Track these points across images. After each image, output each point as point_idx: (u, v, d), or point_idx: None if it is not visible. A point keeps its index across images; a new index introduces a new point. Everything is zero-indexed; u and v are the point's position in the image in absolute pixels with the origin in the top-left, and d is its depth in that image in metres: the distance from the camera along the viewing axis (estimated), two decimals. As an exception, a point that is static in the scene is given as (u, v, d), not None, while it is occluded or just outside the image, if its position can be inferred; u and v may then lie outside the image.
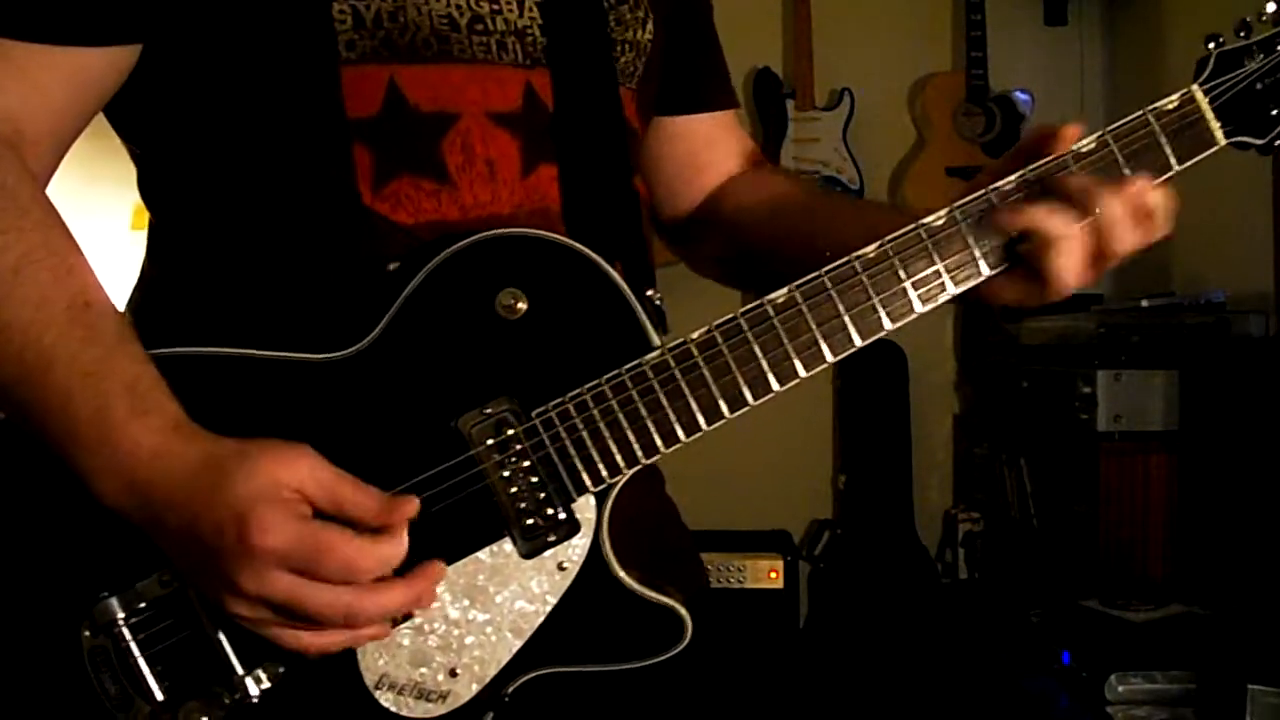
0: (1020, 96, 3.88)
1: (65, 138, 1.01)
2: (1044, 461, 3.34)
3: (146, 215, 1.13)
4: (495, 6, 1.05)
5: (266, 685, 0.96)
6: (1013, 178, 1.03)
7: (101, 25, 0.98)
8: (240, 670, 0.95)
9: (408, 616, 0.97)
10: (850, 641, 3.57)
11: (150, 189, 1.11)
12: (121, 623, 0.95)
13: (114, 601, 0.95)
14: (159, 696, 0.95)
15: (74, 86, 0.99)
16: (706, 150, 1.31)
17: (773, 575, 3.51)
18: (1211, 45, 1.06)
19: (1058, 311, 3.29)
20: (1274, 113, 1.05)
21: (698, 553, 1.27)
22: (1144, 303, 3.15)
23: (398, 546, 0.91)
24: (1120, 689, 2.66)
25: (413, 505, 0.93)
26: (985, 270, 1.03)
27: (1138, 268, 3.65)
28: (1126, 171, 1.03)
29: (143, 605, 0.96)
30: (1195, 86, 1.05)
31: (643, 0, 1.15)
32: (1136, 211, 1.01)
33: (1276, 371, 2.69)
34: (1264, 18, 1.05)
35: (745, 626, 3.43)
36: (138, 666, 0.95)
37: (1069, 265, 1.00)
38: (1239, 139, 1.06)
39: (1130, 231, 1.01)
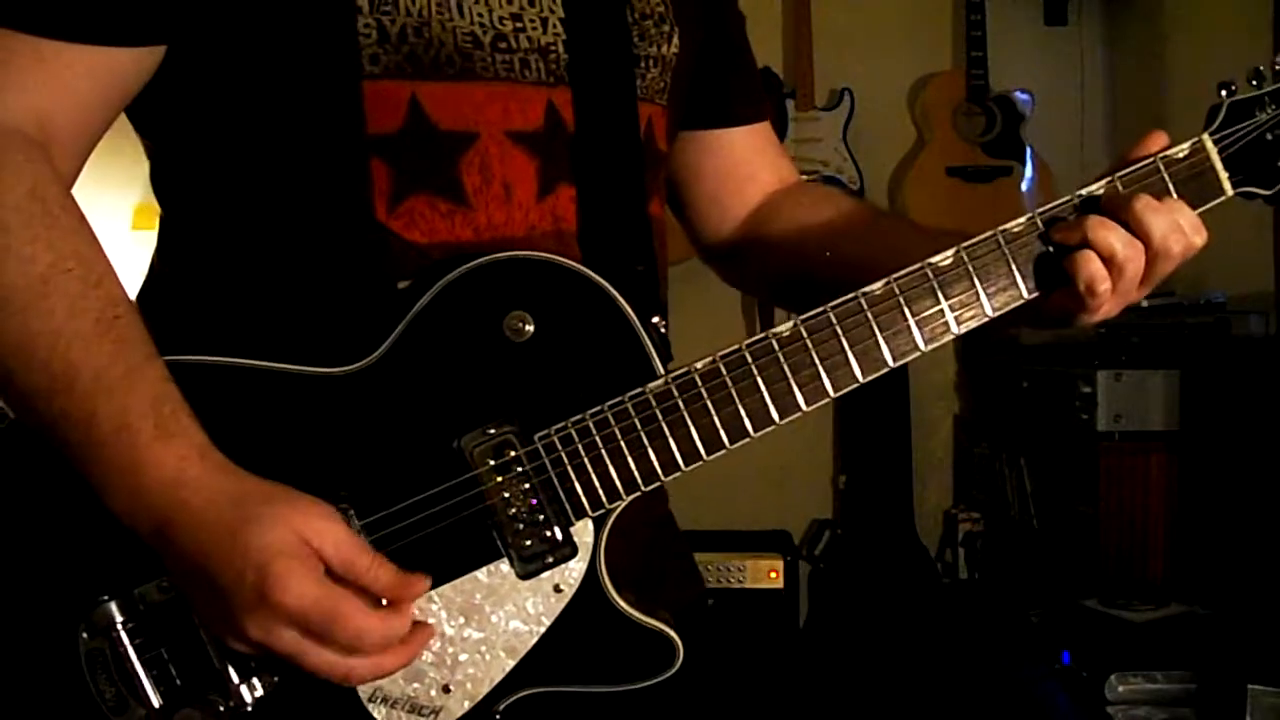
0: (1020, 96, 3.88)
1: (91, 137, 1.01)
2: (1044, 461, 3.34)
3: (147, 216, 1.14)
4: (519, 25, 1.05)
5: (261, 694, 0.96)
6: (1021, 220, 1.04)
7: (130, 25, 0.98)
8: (236, 679, 0.96)
9: None
10: (850, 641, 3.57)
11: (165, 186, 1.11)
12: (120, 626, 0.96)
13: (113, 605, 0.96)
14: (155, 702, 0.96)
15: (102, 85, 0.99)
16: (746, 164, 1.31)
17: (773, 575, 3.51)
18: (1224, 93, 1.06)
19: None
20: None
21: (694, 561, 1.28)
22: (1144, 303, 3.13)
23: (405, 622, 0.93)
24: (1120, 689, 2.66)
25: (424, 585, 0.95)
26: (990, 311, 1.04)
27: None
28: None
29: (141, 610, 0.96)
30: (1206, 136, 1.06)
31: (668, 15, 1.15)
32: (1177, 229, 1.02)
33: (1276, 371, 2.69)
34: (1277, 67, 1.05)
35: (745, 626, 3.43)
36: (135, 671, 0.96)
37: (1109, 290, 1.02)
38: (1246, 189, 1.07)
39: (1177, 244, 1.02)
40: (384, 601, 0.93)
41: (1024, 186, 3.85)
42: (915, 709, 3.15)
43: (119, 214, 3.57)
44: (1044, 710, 2.82)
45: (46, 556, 0.97)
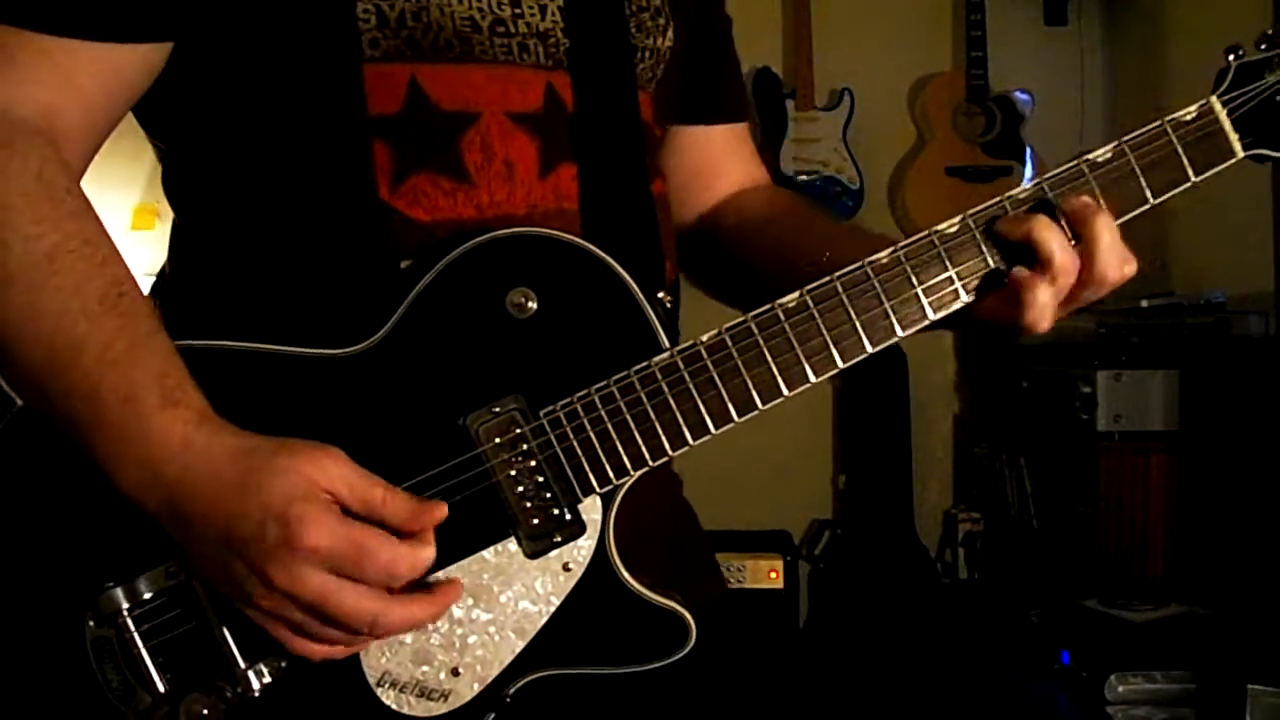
0: (1020, 96, 3.88)
1: (98, 134, 1.02)
2: (1044, 461, 3.34)
3: (147, 216, 1.14)
4: (517, 10, 1.06)
5: (269, 680, 0.96)
6: (1028, 186, 1.02)
7: (136, 22, 0.99)
8: (243, 664, 0.95)
9: None
10: (850, 641, 3.57)
11: (174, 186, 1.12)
12: (126, 613, 0.96)
13: (119, 592, 0.96)
14: (161, 688, 0.96)
15: (107, 83, 1.00)
16: (718, 161, 1.31)
17: (773, 575, 3.51)
18: (1231, 57, 1.05)
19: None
20: None
21: (715, 559, 1.26)
22: (1144, 303, 3.15)
23: (431, 550, 0.92)
24: (1120, 689, 2.66)
25: (442, 510, 0.93)
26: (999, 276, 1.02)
27: (1137, 267, 3.66)
28: (1143, 182, 1.02)
29: (148, 597, 0.96)
30: (1214, 97, 1.04)
31: (664, 8, 1.16)
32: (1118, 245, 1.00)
33: (1276, 371, 2.69)
34: None
35: (745, 626, 3.42)
36: (141, 658, 0.96)
37: (1049, 296, 0.99)
38: (1257, 151, 1.05)
39: (1117, 262, 1.00)
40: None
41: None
42: (915, 709, 3.15)
43: (119, 214, 3.58)
44: (1044, 711, 2.82)
45: (53, 545, 0.97)
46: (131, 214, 3.66)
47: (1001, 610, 3.37)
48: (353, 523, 0.90)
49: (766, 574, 3.51)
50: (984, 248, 1.01)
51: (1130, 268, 1.02)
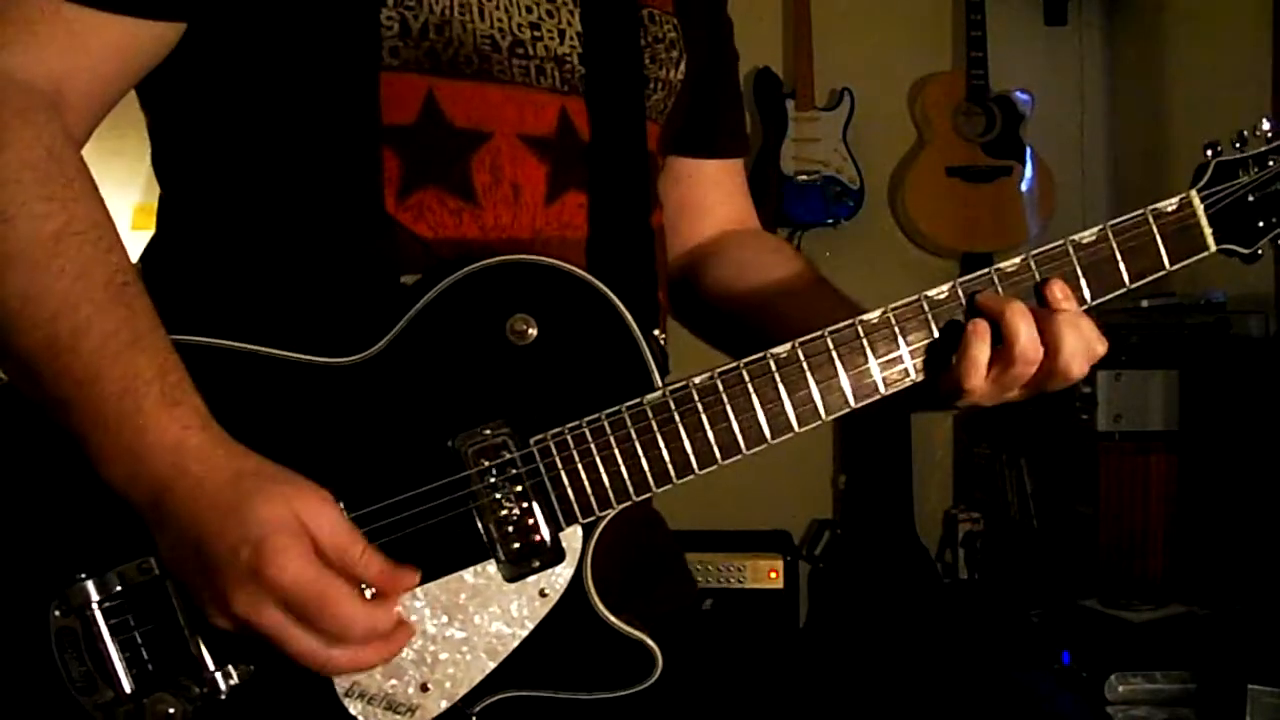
0: (1020, 96, 3.88)
1: (103, 106, 1.02)
2: (1044, 461, 3.34)
3: (147, 216, 1.14)
4: (537, 33, 1.06)
5: (236, 682, 0.96)
6: (1015, 260, 1.06)
7: None
8: (212, 666, 0.95)
9: None
10: (850, 641, 3.57)
11: (165, 163, 1.11)
12: (95, 605, 0.95)
13: (90, 584, 0.95)
14: (126, 685, 0.95)
15: (118, 55, 1.00)
16: (708, 197, 1.33)
17: (773, 575, 3.51)
18: (1210, 153, 1.10)
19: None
20: (1260, 225, 1.11)
21: (685, 563, 1.28)
22: (1144, 303, 3.15)
23: (392, 616, 0.94)
24: (1120, 689, 2.66)
25: (413, 579, 0.95)
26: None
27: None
28: (1122, 267, 1.07)
29: (119, 590, 0.95)
30: (1193, 192, 1.10)
31: (678, 41, 1.17)
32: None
33: (1276, 371, 2.69)
34: (1259, 133, 1.10)
35: (745, 626, 3.42)
36: (107, 652, 0.95)
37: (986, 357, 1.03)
38: (1227, 246, 1.11)
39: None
40: (370, 594, 0.93)
41: (1024, 186, 3.85)
42: (915, 709, 3.14)
43: (119, 214, 3.55)
44: (1045, 711, 2.82)
45: (25, 531, 0.96)
46: (132, 214, 3.65)
47: (1001, 610, 3.37)
48: (323, 569, 0.90)
49: (766, 574, 3.50)
50: (966, 316, 1.05)
51: (1098, 351, 1.06)
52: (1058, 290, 1.04)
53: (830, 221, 3.82)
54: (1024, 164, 3.85)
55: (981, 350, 1.02)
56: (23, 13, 0.96)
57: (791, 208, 3.79)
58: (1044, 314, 1.03)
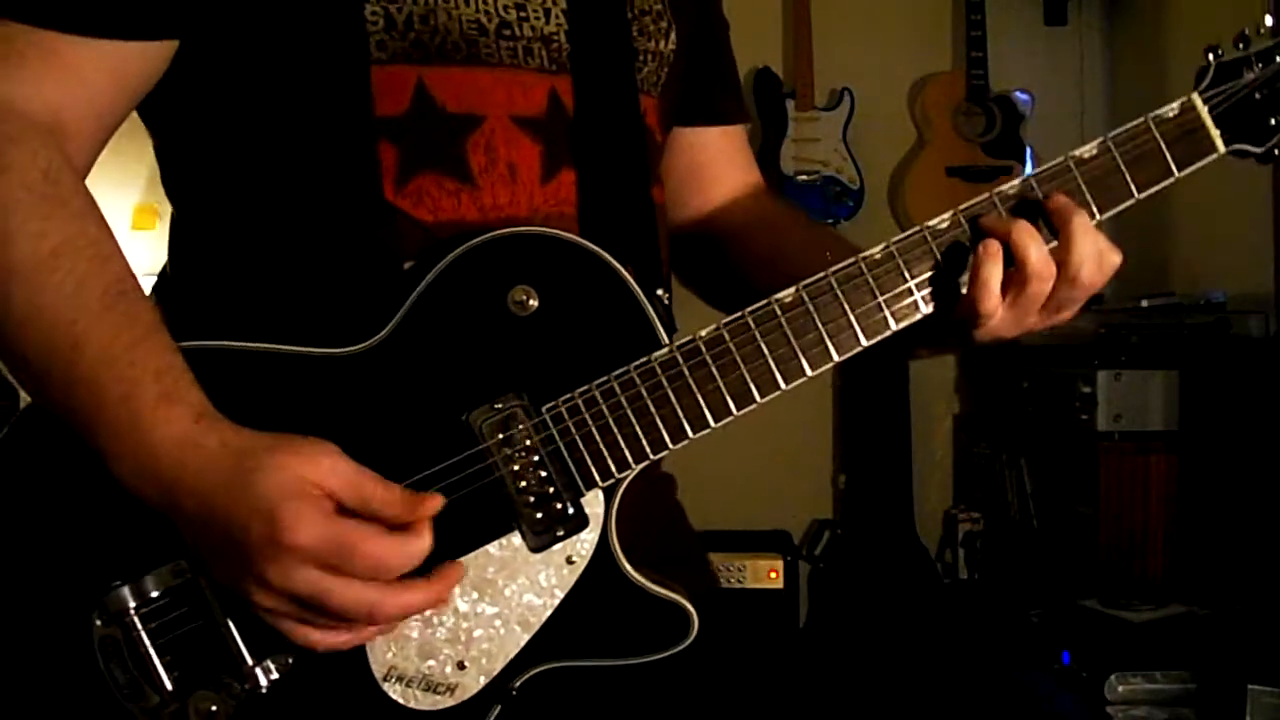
0: (1020, 96, 3.88)
1: (104, 132, 1.02)
2: (1044, 461, 3.35)
3: (147, 216, 1.14)
4: (523, 14, 1.06)
5: (276, 676, 0.96)
6: (1015, 182, 1.05)
7: (142, 20, 1.00)
8: (250, 661, 0.96)
9: None
10: (850, 641, 3.57)
11: (173, 183, 1.12)
12: (133, 612, 0.96)
13: (125, 590, 0.96)
14: (168, 686, 0.96)
15: (113, 80, 1.00)
16: (714, 163, 1.32)
17: (773, 575, 3.51)
18: (1210, 56, 1.08)
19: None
20: (1272, 122, 1.07)
21: (707, 559, 1.28)
22: (1144, 303, 3.15)
23: (423, 542, 0.92)
24: (1120, 689, 2.66)
25: (436, 501, 0.94)
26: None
27: (1138, 268, 3.66)
28: (1128, 177, 1.05)
29: (154, 595, 0.96)
30: (1195, 94, 1.07)
31: (665, 12, 1.17)
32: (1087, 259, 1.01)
33: (1276, 371, 2.69)
34: (1262, 30, 1.07)
35: (745, 626, 3.42)
36: (148, 656, 0.96)
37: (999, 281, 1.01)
38: (1238, 147, 1.08)
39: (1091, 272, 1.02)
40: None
41: (1024, 186, 3.85)
42: (915, 709, 3.15)
43: (119, 214, 3.58)
44: (1045, 711, 2.82)
45: (59, 544, 0.97)
46: (132, 214, 3.66)
47: (1001, 610, 3.37)
48: (339, 519, 0.90)
49: (766, 574, 3.51)
50: (971, 242, 1.03)
51: (1112, 259, 1.04)
52: (1060, 200, 1.03)
53: (830, 221, 3.82)
54: (1024, 164, 3.85)
55: (993, 271, 1.01)
56: (14, 46, 0.97)
57: (791, 208, 3.80)
58: (1049, 230, 1.02)
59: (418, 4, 1.02)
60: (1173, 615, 2.81)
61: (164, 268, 1.15)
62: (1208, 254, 3.35)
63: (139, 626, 0.96)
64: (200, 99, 1.05)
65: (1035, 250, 1.00)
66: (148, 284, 1.11)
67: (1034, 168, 4.25)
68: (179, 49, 1.03)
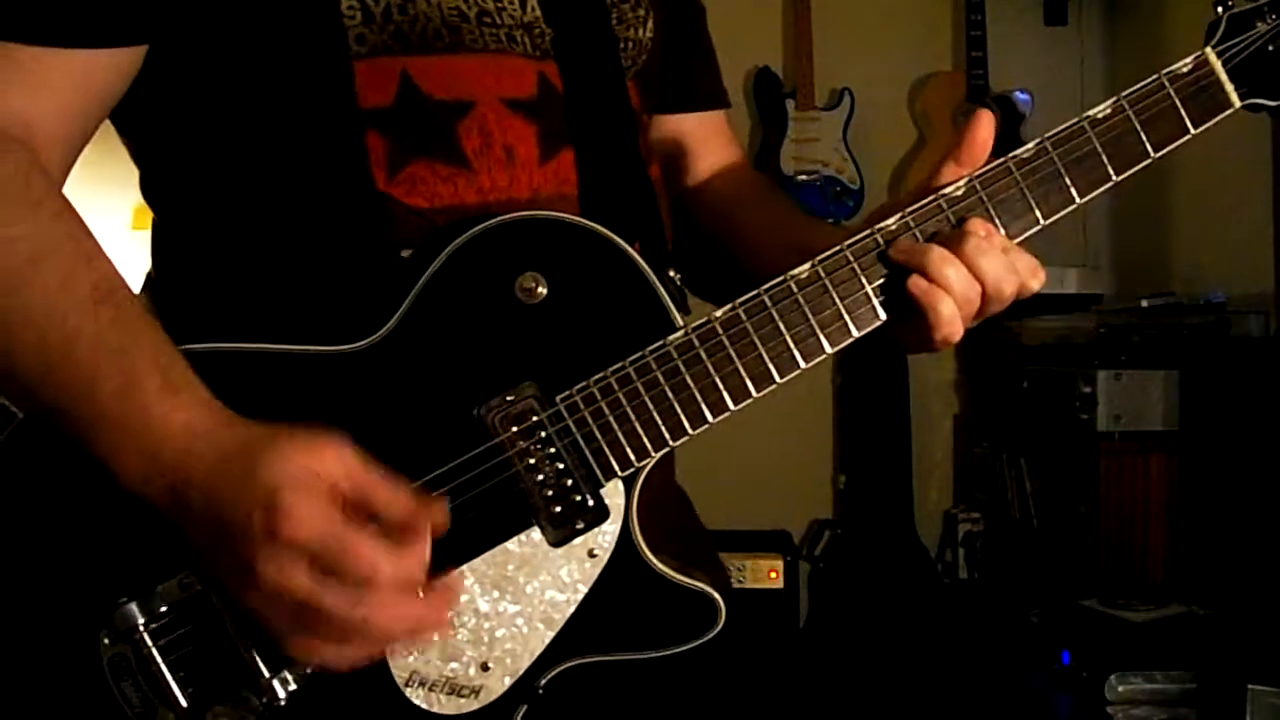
0: (1020, 96, 3.88)
1: (75, 141, 1.00)
2: (1044, 461, 3.34)
3: (147, 216, 1.13)
4: (500, 3, 1.05)
5: (294, 687, 0.93)
6: (1030, 146, 1.05)
7: (107, 27, 0.97)
8: (267, 673, 0.93)
9: None
10: (850, 641, 3.57)
11: (153, 187, 1.10)
12: (142, 628, 0.93)
13: (133, 607, 0.93)
14: (184, 703, 0.92)
15: (81, 89, 0.98)
16: (694, 148, 1.31)
17: (773, 575, 3.51)
18: (1220, 8, 1.05)
19: (1058, 311, 3.29)
20: None
21: (717, 555, 1.26)
22: (1144, 303, 3.15)
23: (420, 557, 0.88)
24: (1120, 689, 2.66)
25: (441, 509, 0.91)
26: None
27: (1138, 268, 3.66)
28: (1144, 137, 1.03)
29: (163, 610, 0.93)
30: (1209, 49, 1.04)
31: (643, 0, 1.16)
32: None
33: (1276, 371, 2.69)
34: None
35: (745, 626, 3.42)
36: (161, 673, 0.93)
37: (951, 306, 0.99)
38: (1254, 100, 1.05)
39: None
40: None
41: (1024, 186, 3.85)
42: (915, 709, 3.15)
43: (119, 214, 3.58)
44: (1045, 711, 2.82)
45: (62, 561, 0.94)
46: (132, 214, 3.66)
47: (1001, 610, 3.37)
48: (340, 517, 0.86)
49: (766, 574, 3.51)
50: (990, 211, 1.06)
51: (1035, 282, 1.02)
52: (977, 228, 1.02)
53: (831, 221, 3.82)
54: (1024, 164, 3.85)
55: (940, 298, 0.99)
56: None
57: (791, 208, 3.80)
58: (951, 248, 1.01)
59: None
60: (1173, 615, 2.81)
61: (148, 274, 1.12)
62: (1208, 254, 3.35)
63: (150, 643, 0.92)
64: (178, 102, 1.03)
65: (957, 278, 0.99)
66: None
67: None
68: (152, 52, 1.01)
